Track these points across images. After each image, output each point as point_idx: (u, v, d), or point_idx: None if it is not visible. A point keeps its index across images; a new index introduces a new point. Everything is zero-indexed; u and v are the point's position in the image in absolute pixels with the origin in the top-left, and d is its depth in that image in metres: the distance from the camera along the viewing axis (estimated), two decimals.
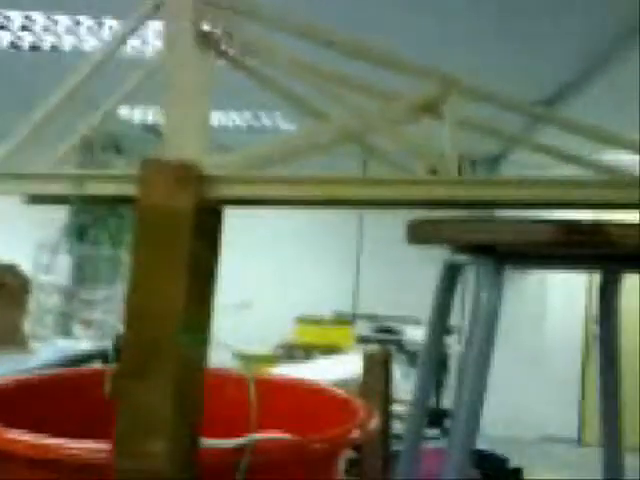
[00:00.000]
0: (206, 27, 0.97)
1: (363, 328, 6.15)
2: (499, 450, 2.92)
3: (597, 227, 0.82)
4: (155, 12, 0.97)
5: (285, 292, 6.97)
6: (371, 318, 6.50)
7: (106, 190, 0.93)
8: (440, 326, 1.19)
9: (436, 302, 1.18)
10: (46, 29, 3.81)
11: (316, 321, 5.72)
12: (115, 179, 0.92)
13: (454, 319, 2.64)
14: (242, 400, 1.44)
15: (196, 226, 0.86)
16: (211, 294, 0.94)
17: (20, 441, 1.01)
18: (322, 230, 7.12)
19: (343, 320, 6.32)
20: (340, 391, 1.67)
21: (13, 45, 4.11)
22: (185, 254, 0.84)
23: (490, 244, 0.88)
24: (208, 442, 1.03)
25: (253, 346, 5.60)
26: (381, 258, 7.04)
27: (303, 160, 0.95)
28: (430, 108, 0.95)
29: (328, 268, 7.11)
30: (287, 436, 1.22)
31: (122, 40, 1.02)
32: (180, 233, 0.83)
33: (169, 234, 0.83)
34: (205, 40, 0.96)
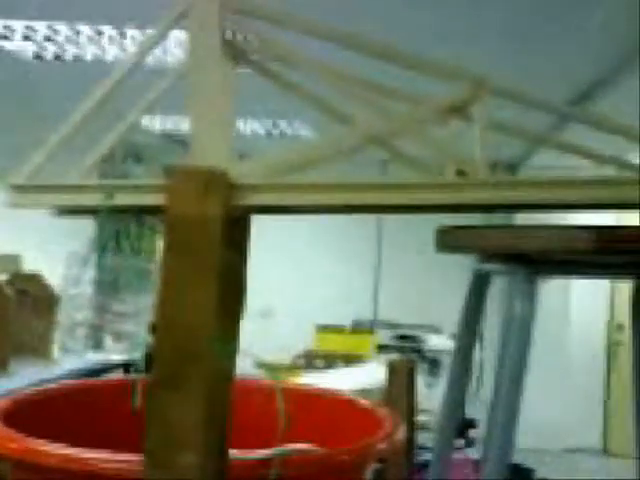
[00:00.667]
0: (229, 34, 0.96)
1: (383, 336, 6.12)
2: (522, 461, 2.88)
3: (637, 233, 0.79)
4: (180, 21, 0.97)
5: (304, 300, 6.96)
6: (391, 326, 6.46)
7: (135, 200, 0.92)
8: (469, 336, 1.17)
9: (465, 311, 1.16)
10: (69, 40, 3.86)
11: (336, 330, 5.70)
12: (144, 189, 0.92)
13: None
14: (267, 410, 1.43)
15: (225, 234, 0.85)
16: (241, 303, 0.93)
17: (52, 454, 1.01)
18: (341, 237, 7.11)
19: (363, 328, 6.29)
20: (365, 401, 1.65)
21: (37, 56, 4.16)
22: (215, 263, 0.83)
23: (523, 252, 0.86)
24: (237, 454, 1.01)
25: (273, 355, 5.59)
26: (401, 265, 7.01)
27: (327, 166, 0.94)
28: (459, 110, 0.94)
29: (347, 276, 7.09)
30: (315, 448, 1.21)
31: (148, 49, 1.02)
32: (210, 241, 0.83)
33: (199, 242, 0.83)
34: (229, 47, 0.95)
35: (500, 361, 0.90)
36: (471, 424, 2.94)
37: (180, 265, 0.83)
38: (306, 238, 7.15)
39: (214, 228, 0.83)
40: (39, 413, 1.33)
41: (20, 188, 0.97)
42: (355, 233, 7.07)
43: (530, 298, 0.86)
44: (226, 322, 0.87)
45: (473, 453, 2.70)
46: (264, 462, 1.03)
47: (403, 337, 5.85)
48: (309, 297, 6.97)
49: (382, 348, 5.31)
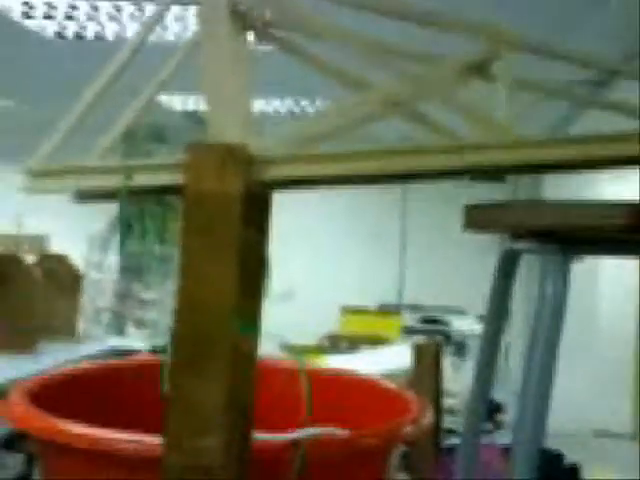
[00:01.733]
0: (240, 5, 0.93)
1: (408, 318, 6.08)
2: (551, 445, 2.83)
3: None
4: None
5: (328, 281, 6.95)
6: (416, 308, 6.43)
7: (155, 180, 0.90)
8: (498, 317, 1.14)
9: (494, 291, 1.12)
10: (90, 17, 3.84)
11: (361, 311, 5.68)
12: (163, 168, 0.89)
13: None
14: (292, 392, 1.41)
15: (246, 211, 0.83)
16: (262, 282, 0.91)
17: (80, 435, 1.01)
18: (366, 218, 7.07)
19: (388, 311, 6.26)
20: (391, 384, 1.63)
21: (59, 35, 4.15)
22: (235, 240, 0.81)
23: (555, 229, 0.82)
24: (261, 436, 1.00)
25: (297, 337, 5.60)
26: (426, 246, 6.94)
27: (344, 137, 0.91)
28: (480, 69, 0.90)
29: (372, 257, 7.05)
30: (341, 430, 1.19)
31: (153, 25, 0.99)
32: (230, 218, 0.80)
33: (218, 219, 0.80)
34: (240, 18, 0.92)
35: (531, 343, 0.87)
36: (499, 408, 2.90)
37: (199, 243, 0.81)
38: (330, 219, 7.12)
39: (234, 204, 0.80)
40: (66, 393, 1.33)
41: (36, 173, 0.95)
42: (380, 213, 7.02)
43: (562, 277, 0.83)
44: (247, 302, 0.85)
45: (501, 437, 2.66)
46: (289, 444, 1.02)
47: (429, 320, 5.82)
48: (334, 279, 6.96)
49: (408, 330, 5.28)
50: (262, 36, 0.95)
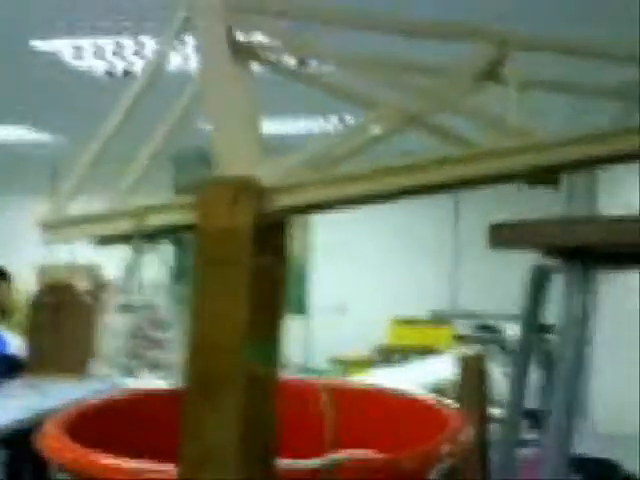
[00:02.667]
0: (239, 35, 0.92)
1: (461, 327, 5.97)
2: (605, 450, 2.73)
3: None
4: (187, 27, 0.94)
5: (380, 292, 6.88)
6: (470, 316, 6.30)
7: (170, 220, 0.89)
8: (530, 332, 1.10)
9: (525, 307, 1.09)
10: (136, 53, 3.93)
11: (412, 322, 5.61)
12: (176, 208, 0.89)
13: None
14: (325, 412, 1.40)
15: (259, 242, 0.82)
16: (279, 311, 0.90)
17: (109, 466, 1.02)
18: (416, 225, 6.98)
19: (440, 319, 6.16)
20: (431, 399, 1.59)
21: (109, 73, 4.27)
22: (247, 274, 0.80)
23: (578, 246, 0.79)
24: (286, 464, 0.99)
25: (350, 349, 5.57)
26: (479, 250, 6.80)
27: (359, 157, 0.89)
28: (490, 74, 0.87)
29: (423, 265, 6.95)
30: (371, 454, 1.17)
31: (163, 58, 0.99)
32: (241, 252, 0.80)
33: (230, 254, 0.80)
34: (241, 48, 0.92)
35: (558, 360, 0.84)
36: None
37: (211, 279, 0.80)
38: (379, 227, 7.07)
39: (244, 239, 0.80)
40: (102, 422, 1.35)
41: (50, 223, 0.96)
42: (430, 218, 6.93)
43: (587, 294, 0.79)
44: (263, 333, 0.84)
45: None
46: (316, 471, 1.00)
47: (482, 327, 5.69)
48: (386, 290, 6.89)
49: (461, 339, 5.18)
50: (263, 63, 0.94)
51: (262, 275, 0.84)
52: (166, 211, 0.90)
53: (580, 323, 0.79)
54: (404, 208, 7.01)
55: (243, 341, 0.79)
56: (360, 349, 5.06)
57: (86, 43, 3.77)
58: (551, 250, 0.90)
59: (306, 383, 1.48)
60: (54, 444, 1.15)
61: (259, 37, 0.93)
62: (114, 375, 0.88)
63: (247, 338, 0.80)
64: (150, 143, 1.01)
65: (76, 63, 4.10)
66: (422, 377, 2.81)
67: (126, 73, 4.26)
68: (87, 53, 3.94)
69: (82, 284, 3.33)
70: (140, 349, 0.82)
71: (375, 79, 0.93)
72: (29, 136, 6.33)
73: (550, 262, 0.97)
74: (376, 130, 0.94)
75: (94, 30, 3.58)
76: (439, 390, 2.61)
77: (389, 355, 4.51)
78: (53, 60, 4.01)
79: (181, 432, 0.80)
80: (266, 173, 0.85)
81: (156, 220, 0.90)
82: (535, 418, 2.32)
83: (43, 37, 3.68)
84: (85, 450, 1.09)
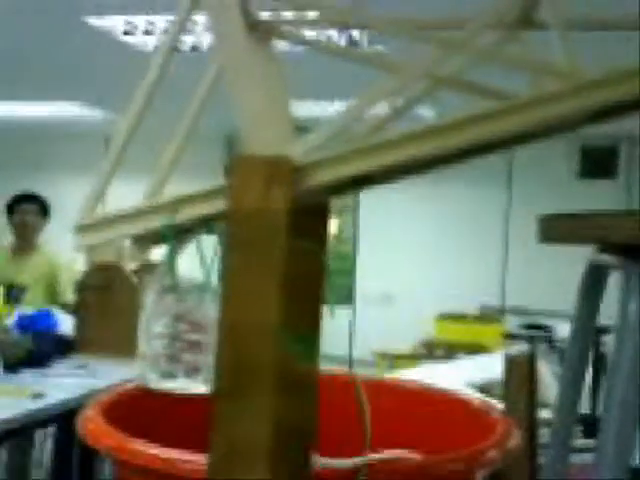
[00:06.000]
0: (254, 12, 0.88)
1: (511, 324, 5.82)
2: None
3: None
4: (198, 4, 0.90)
5: (427, 284, 6.78)
6: (520, 312, 6.13)
7: (204, 209, 0.85)
8: (585, 331, 1.04)
9: (580, 305, 1.03)
10: (186, 30, 3.96)
11: (459, 317, 5.50)
12: (208, 195, 0.85)
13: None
14: (373, 408, 1.36)
15: (295, 224, 0.77)
16: (318, 299, 0.85)
17: (144, 453, 1.01)
18: (465, 216, 6.83)
19: (489, 316, 6.03)
20: (476, 400, 1.54)
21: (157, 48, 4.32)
22: (282, 256, 0.76)
23: (637, 242, 0.73)
24: (322, 462, 0.96)
25: (395, 342, 5.50)
26: (531, 243, 6.61)
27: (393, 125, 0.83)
28: (525, 17, 0.80)
29: (473, 257, 6.79)
30: (409, 455, 1.13)
31: (175, 38, 0.96)
32: (276, 235, 0.76)
33: (263, 237, 0.76)
34: (258, 26, 0.86)
35: (614, 364, 0.78)
36: None
37: (244, 264, 0.77)
38: (427, 219, 6.95)
39: (279, 221, 0.75)
40: (140, 408, 1.35)
41: (83, 228, 0.94)
42: (480, 210, 6.77)
43: None
44: (300, 321, 0.81)
45: None
46: (351, 471, 0.97)
47: (532, 326, 5.54)
48: (432, 281, 6.78)
49: (510, 337, 5.06)
50: (278, 36, 0.89)
51: (299, 260, 0.79)
52: (199, 201, 0.86)
53: (638, 326, 0.74)
54: (453, 198, 6.88)
55: (276, 330, 0.75)
56: (406, 343, 4.99)
57: (138, 19, 3.82)
58: (607, 246, 0.84)
59: (344, 378, 1.44)
60: (93, 429, 1.15)
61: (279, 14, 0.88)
62: (154, 378, 0.87)
63: (281, 327, 0.76)
64: (175, 136, 0.97)
65: (127, 39, 4.16)
66: (470, 375, 2.74)
67: (176, 49, 4.30)
68: (138, 30, 3.99)
69: (130, 264, 3.36)
70: (178, 352, 0.81)
71: (404, 39, 0.86)
72: (82, 112, 6.46)
73: (607, 258, 0.90)
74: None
75: (145, 7, 3.61)
76: (487, 390, 2.53)
77: (433, 350, 4.44)
78: (106, 36, 4.08)
79: (210, 425, 0.78)
80: (297, 151, 0.80)
81: (190, 212, 0.86)
82: (587, 423, 2.23)
83: (96, 13, 3.73)
84: (122, 436, 1.09)
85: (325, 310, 0.88)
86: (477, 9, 0.80)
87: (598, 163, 6.54)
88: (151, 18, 3.80)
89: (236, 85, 0.81)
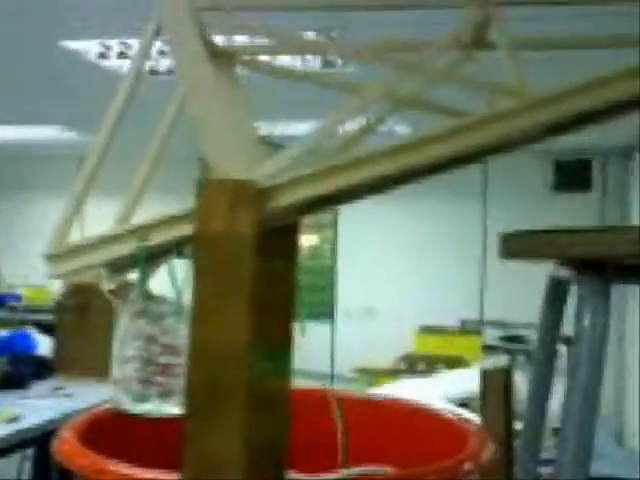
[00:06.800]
0: (216, 38, 0.90)
1: (490, 336, 5.88)
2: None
3: None
4: (159, 33, 0.92)
5: (408, 299, 6.81)
6: (500, 325, 6.19)
7: (173, 234, 0.87)
8: (547, 344, 1.07)
9: (542, 320, 1.06)
10: (161, 53, 3.98)
11: (439, 331, 5.54)
12: (176, 220, 0.86)
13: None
14: (353, 426, 1.37)
15: (263, 245, 0.79)
16: (289, 317, 0.87)
17: (117, 473, 1.02)
18: (444, 230, 6.89)
19: (469, 329, 6.08)
20: (450, 413, 1.56)
21: (152, 71, 4.33)
22: (250, 278, 0.78)
23: (591, 257, 0.76)
24: (297, 478, 0.97)
25: (376, 358, 5.52)
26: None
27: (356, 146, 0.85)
28: (478, 39, 0.83)
29: (452, 271, 6.85)
30: (383, 469, 1.14)
31: (139, 66, 0.97)
32: (242, 256, 0.77)
33: (230, 259, 0.78)
34: (220, 52, 0.89)
35: (570, 376, 0.80)
36: None
37: (212, 286, 0.78)
38: (407, 234, 7.01)
39: (245, 242, 0.77)
40: (115, 429, 1.35)
41: (54, 258, 0.94)
42: (458, 225, 6.84)
43: (601, 307, 0.76)
44: (270, 339, 0.82)
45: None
46: None
47: (510, 338, 5.60)
48: (413, 296, 6.82)
49: (489, 349, 5.10)
50: (246, 64, 0.91)
51: (268, 279, 0.81)
52: (168, 225, 0.87)
53: (593, 338, 0.76)
54: (432, 213, 6.96)
55: (246, 350, 0.77)
56: (387, 358, 5.01)
57: (112, 43, 3.85)
58: (565, 260, 0.87)
59: (321, 394, 1.46)
60: (67, 450, 1.16)
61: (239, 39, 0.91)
62: (128, 401, 0.87)
63: (250, 346, 0.77)
64: (145, 159, 0.98)
65: (102, 63, 4.18)
66: (449, 390, 2.76)
67: (152, 72, 4.31)
68: (113, 53, 4.01)
69: (107, 285, 3.34)
70: (151, 375, 0.81)
71: (363, 62, 0.89)
72: (58, 135, 6.47)
73: (567, 273, 0.94)
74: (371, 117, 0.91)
75: (120, 31, 3.64)
76: (466, 404, 2.56)
77: (414, 365, 4.46)
78: (80, 60, 4.10)
79: (182, 443, 0.79)
80: (263, 174, 0.81)
81: (160, 236, 0.87)
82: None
83: (72, 37, 3.76)
84: (96, 456, 1.09)
85: (297, 327, 0.90)
86: (435, 31, 0.84)
87: (572, 176, 6.66)
88: (126, 41, 3.83)
89: (199, 111, 0.83)
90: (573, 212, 6.20)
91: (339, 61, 3.67)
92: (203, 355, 0.78)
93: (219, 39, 0.89)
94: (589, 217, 6.40)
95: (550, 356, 1.06)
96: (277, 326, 0.85)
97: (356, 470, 1.06)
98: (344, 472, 1.03)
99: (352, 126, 0.91)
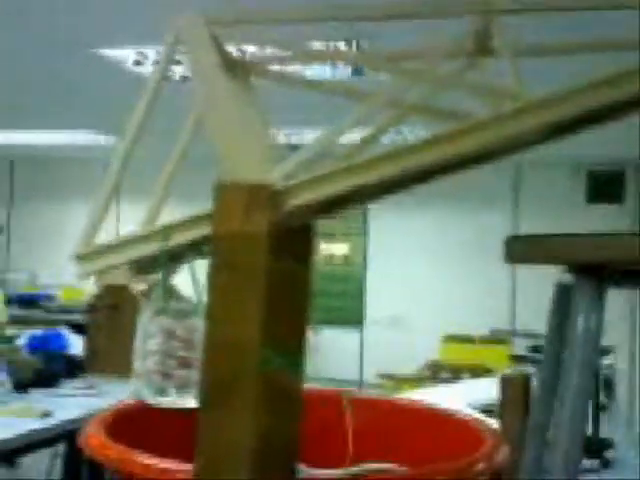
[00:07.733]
0: (232, 49, 0.94)
1: (520, 347, 5.82)
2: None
3: None
4: (178, 43, 0.96)
5: (436, 307, 6.79)
6: (530, 335, 6.13)
7: (194, 234, 0.91)
8: (555, 352, 1.09)
9: (550, 325, 1.08)
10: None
11: (465, 339, 5.51)
12: (196, 221, 0.90)
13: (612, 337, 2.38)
14: (369, 425, 1.40)
15: (278, 246, 0.82)
16: (302, 318, 0.90)
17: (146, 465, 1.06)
18: (474, 239, 6.85)
19: (497, 339, 6.03)
20: (467, 416, 1.58)
21: (166, 78, 4.45)
22: (264, 278, 0.82)
23: (591, 262, 0.78)
24: (311, 472, 1.00)
25: (402, 365, 5.52)
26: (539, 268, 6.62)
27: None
28: (482, 47, 0.86)
29: (482, 281, 6.81)
30: (394, 468, 1.17)
31: (159, 79, 1.02)
32: (256, 259, 0.81)
33: (245, 261, 0.81)
34: (235, 63, 0.93)
35: (563, 376, 0.83)
36: (608, 444, 2.71)
37: (227, 285, 0.82)
38: (436, 242, 6.98)
39: (260, 243, 0.81)
40: (141, 423, 1.40)
41: (83, 257, 0.99)
42: (488, 234, 6.79)
43: (596, 311, 0.79)
44: (283, 337, 0.85)
45: (609, 475, 2.48)
46: None
47: (538, 348, 5.54)
48: (442, 304, 6.80)
49: (516, 359, 5.06)
50: (260, 75, 0.95)
51: (282, 279, 0.84)
52: (189, 226, 0.91)
53: (586, 342, 0.78)
54: (462, 222, 6.93)
55: (258, 346, 0.80)
56: (413, 365, 5.01)
57: (148, 51, 3.96)
58: (572, 266, 0.89)
59: (337, 394, 1.49)
60: (93, 441, 1.21)
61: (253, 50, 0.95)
62: (148, 394, 0.92)
63: (262, 343, 0.80)
64: (168, 162, 1.03)
65: (137, 69, 4.30)
66: (471, 396, 2.77)
67: (184, 79, 4.42)
68: (148, 60, 4.13)
69: (138, 285, 3.42)
70: (171, 368, 0.85)
71: (370, 69, 0.93)
72: (92, 140, 6.62)
73: (568, 279, 0.96)
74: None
75: (156, 39, 3.74)
76: (488, 411, 2.56)
77: (438, 372, 4.45)
78: (117, 67, 4.22)
79: (196, 434, 0.83)
80: (277, 176, 0.85)
81: (182, 237, 0.91)
82: (592, 444, 2.24)
83: (108, 45, 3.87)
84: (120, 448, 1.14)
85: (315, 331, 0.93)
86: (439, 40, 0.87)
87: (605, 188, 6.58)
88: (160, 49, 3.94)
89: (214, 119, 0.88)
90: (606, 223, 6.13)
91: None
92: (218, 349, 0.82)
93: (232, 49, 0.93)
94: (621, 228, 6.32)
95: (557, 361, 1.08)
96: (290, 324, 0.89)
97: (367, 467, 1.09)
98: (356, 468, 1.06)
99: (363, 132, 0.94)
